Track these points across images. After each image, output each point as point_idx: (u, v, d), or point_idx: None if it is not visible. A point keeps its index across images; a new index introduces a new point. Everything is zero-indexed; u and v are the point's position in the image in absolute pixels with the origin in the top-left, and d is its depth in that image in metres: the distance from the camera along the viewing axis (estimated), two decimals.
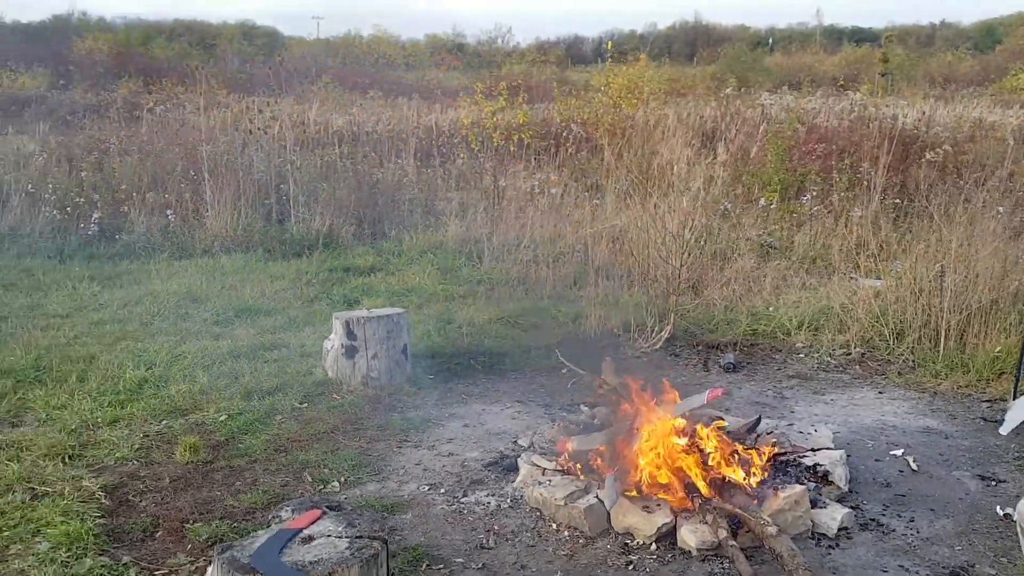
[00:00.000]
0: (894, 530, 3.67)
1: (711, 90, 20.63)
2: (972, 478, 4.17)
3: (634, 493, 3.66)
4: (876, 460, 4.37)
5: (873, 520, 3.74)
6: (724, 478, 3.67)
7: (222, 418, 4.72)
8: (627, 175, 11.49)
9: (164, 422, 4.67)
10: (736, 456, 3.86)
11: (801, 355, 6.15)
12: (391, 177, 11.03)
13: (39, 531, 3.47)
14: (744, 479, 3.66)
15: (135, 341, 6.02)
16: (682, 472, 3.71)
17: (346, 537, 2.55)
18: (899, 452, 4.46)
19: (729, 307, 7.14)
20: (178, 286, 7.40)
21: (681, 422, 3.92)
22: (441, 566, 3.33)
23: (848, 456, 4.34)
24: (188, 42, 49.51)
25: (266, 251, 8.74)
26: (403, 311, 5.42)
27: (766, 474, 3.82)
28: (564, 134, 13.13)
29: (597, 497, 3.65)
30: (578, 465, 3.87)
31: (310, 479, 4.03)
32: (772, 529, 3.32)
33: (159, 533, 3.56)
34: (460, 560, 3.39)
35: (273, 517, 2.79)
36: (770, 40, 52.83)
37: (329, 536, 2.56)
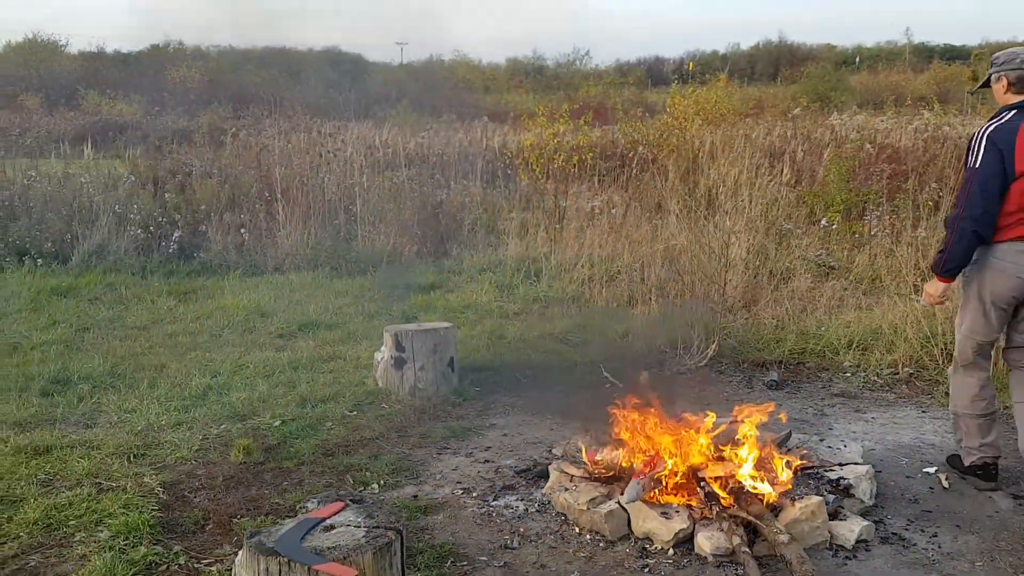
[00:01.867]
0: (915, 544, 3.70)
1: (781, 111, 20.49)
2: (1005, 497, 4.16)
3: (655, 499, 3.79)
4: (907, 477, 4.39)
5: (895, 534, 3.78)
6: (742, 487, 3.77)
7: (276, 423, 5.01)
8: (689, 195, 11.59)
9: (223, 426, 4.99)
10: (760, 468, 3.96)
11: (847, 374, 6.15)
12: (455, 198, 11.35)
13: (101, 521, 3.79)
14: (760, 489, 3.75)
15: (204, 352, 6.40)
16: (703, 480, 3.83)
17: (364, 527, 2.77)
18: (932, 470, 4.47)
19: (779, 326, 7.16)
20: (248, 301, 7.81)
21: (705, 432, 4.04)
22: (465, 563, 3.52)
23: (878, 472, 4.39)
24: (277, 69, 51.33)
25: (332, 269, 9.13)
26: (450, 325, 5.66)
27: (789, 486, 3.91)
28: (630, 155, 13.31)
29: (618, 503, 3.79)
30: (603, 470, 4.02)
31: (352, 481, 4.27)
32: (784, 537, 3.41)
33: (209, 526, 3.83)
34: (484, 558, 3.57)
35: (300, 508, 3.02)
36: (856, 59, 51.76)
37: (348, 525, 2.78)
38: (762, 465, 3.91)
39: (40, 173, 11.46)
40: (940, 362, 6.05)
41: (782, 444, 4.39)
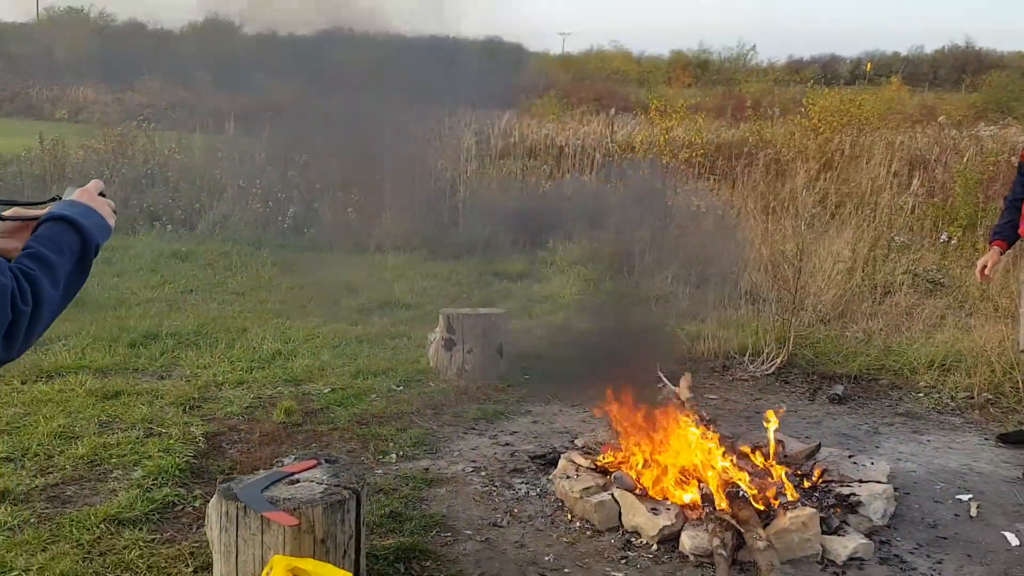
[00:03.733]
0: (915, 568, 3.56)
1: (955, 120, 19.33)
2: None
3: (651, 493, 3.81)
4: (936, 501, 4.20)
5: (897, 556, 3.64)
6: (738, 492, 3.73)
7: (326, 390, 5.30)
8: (817, 201, 11.25)
9: (278, 388, 5.33)
10: (768, 476, 3.91)
11: (920, 394, 5.87)
12: (563, 190, 11.42)
13: (139, 462, 4.16)
14: (759, 496, 3.71)
15: (285, 319, 6.81)
16: (701, 481, 3.81)
17: (325, 484, 2.95)
18: (966, 497, 4.25)
19: (866, 340, 6.90)
20: (340, 276, 8.21)
21: (714, 435, 4.02)
22: (449, 534, 3.67)
23: (906, 494, 4.23)
24: (435, 58, 52.68)
25: (429, 251, 9.43)
26: (502, 312, 5.80)
27: (794, 496, 3.84)
28: (756, 154, 12.98)
29: (611, 495, 3.83)
30: (609, 462, 4.06)
31: (373, 449, 4.49)
32: (761, 544, 3.37)
33: (233, 476, 4.13)
34: (469, 532, 3.70)
35: (277, 462, 3.25)
36: None
37: (312, 481, 2.97)
38: (765, 473, 3.86)
39: (181, 145, 12.35)
40: (1021, 390, 5.69)
41: (811, 456, 4.30)
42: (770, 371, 6.24)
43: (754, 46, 70.35)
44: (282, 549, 2.73)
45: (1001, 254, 4.83)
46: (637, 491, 3.79)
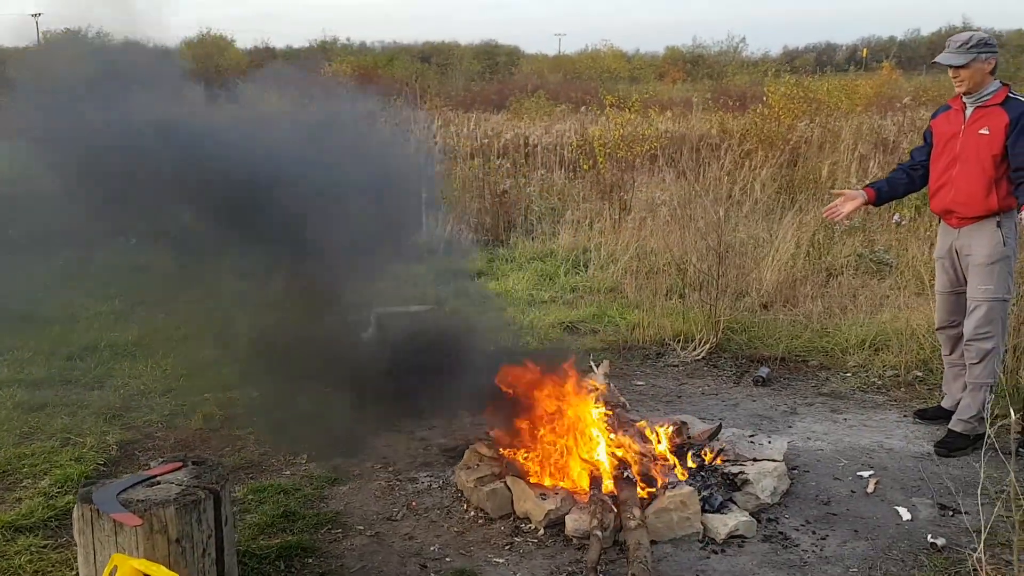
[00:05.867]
0: (798, 545, 3.61)
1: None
2: (930, 507, 3.95)
3: (541, 479, 3.87)
4: (835, 479, 4.24)
5: (782, 533, 3.70)
6: (623, 473, 3.78)
7: (255, 394, 5.36)
8: (780, 189, 11.29)
9: (206, 394, 5.38)
10: (653, 458, 3.97)
11: (848, 374, 5.91)
12: (528, 187, 11.48)
13: (49, 471, 4.23)
14: (643, 476, 3.77)
15: (229, 326, 6.87)
16: (590, 464, 3.87)
17: (183, 485, 3.02)
18: (867, 473, 4.30)
19: (802, 324, 6.94)
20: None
21: (601, 415, 4.09)
22: (339, 530, 3.73)
23: (805, 471, 4.29)
24: (430, 62, 52.89)
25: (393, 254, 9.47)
26: (429, 308, 5.87)
27: (684, 476, 3.91)
28: (718, 144, 13.00)
29: (503, 483, 3.89)
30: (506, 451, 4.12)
31: (284, 452, 4.56)
32: (633, 523, 3.42)
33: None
34: (361, 527, 3.77)
35: (143, 465, 3.32)
36: None
37: (171, 483, 3.04)
38: (648, 452, 3.92)
39: None
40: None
41: (713, 437, 4.36)
42: (700, 356, 6.29)
43: (743, 38, 70.21)
44: (135, 550, 2.79)
45: (865, 202, 4.75)
46: (529, 478, 3.85)
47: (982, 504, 3.47)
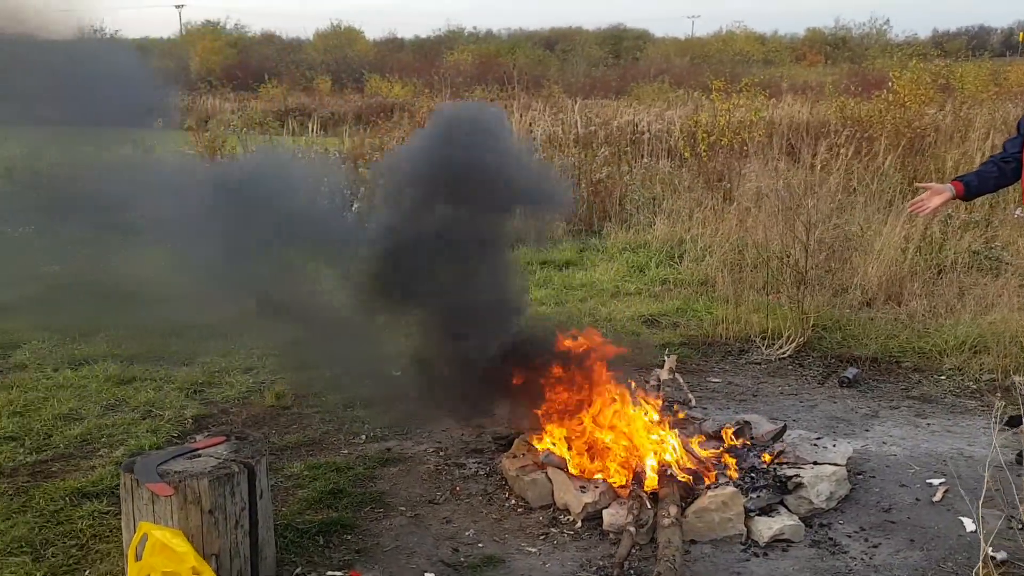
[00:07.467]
0: (846, 552, 3.45)
1: None
2: (998, 518, 3.70)
3: (584, 472, 3.83)
4: (902, 485, 4.02)
5: (831, 539, 3.54)
6: (667, 470, 3.71)
7: (327, 374, 5.52)
8: (887, 178, 10.78)
9: (282, 374, 5.58)
10: (700, 457, 3.88)
11: (943, 377, 5.59)
12: (621, 177, 11.30)
13: (124, 442, 4.48)
14: (688, 474, 3.68)
15: None
16: (634, 458, 3.81)
17: (221, 459, 3.15)
18: (936, 482, 4.06)
19: (904, 322, 6.60)
20: None
21: (654, 413, 4.01)
22: (381, 510, 3.80)
23: (871, 477, 4.09)
24: (554, 49, 52.86)
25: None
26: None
27: (735, 476, 3.80)
28: (838, 132, 12.47)
29: (545, 473, 3.88)
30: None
31: (345, 431, 4.68)
32: (667, 520, 3.35)
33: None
34: (403, 508, 3.82)
35: (189, 438, 3.46)
36: None
37: (210, 456, 3.17)
38: (695, 450, 3.83)
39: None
40: None
41: (777, 438, 4.22)
42: (786, 354, 6.07)
43: (887, 20, 66.88)
44: (170, 519, 2.93)
45: (953, 197, 4.42)
46: (569, 470, 3.82)
47: None
